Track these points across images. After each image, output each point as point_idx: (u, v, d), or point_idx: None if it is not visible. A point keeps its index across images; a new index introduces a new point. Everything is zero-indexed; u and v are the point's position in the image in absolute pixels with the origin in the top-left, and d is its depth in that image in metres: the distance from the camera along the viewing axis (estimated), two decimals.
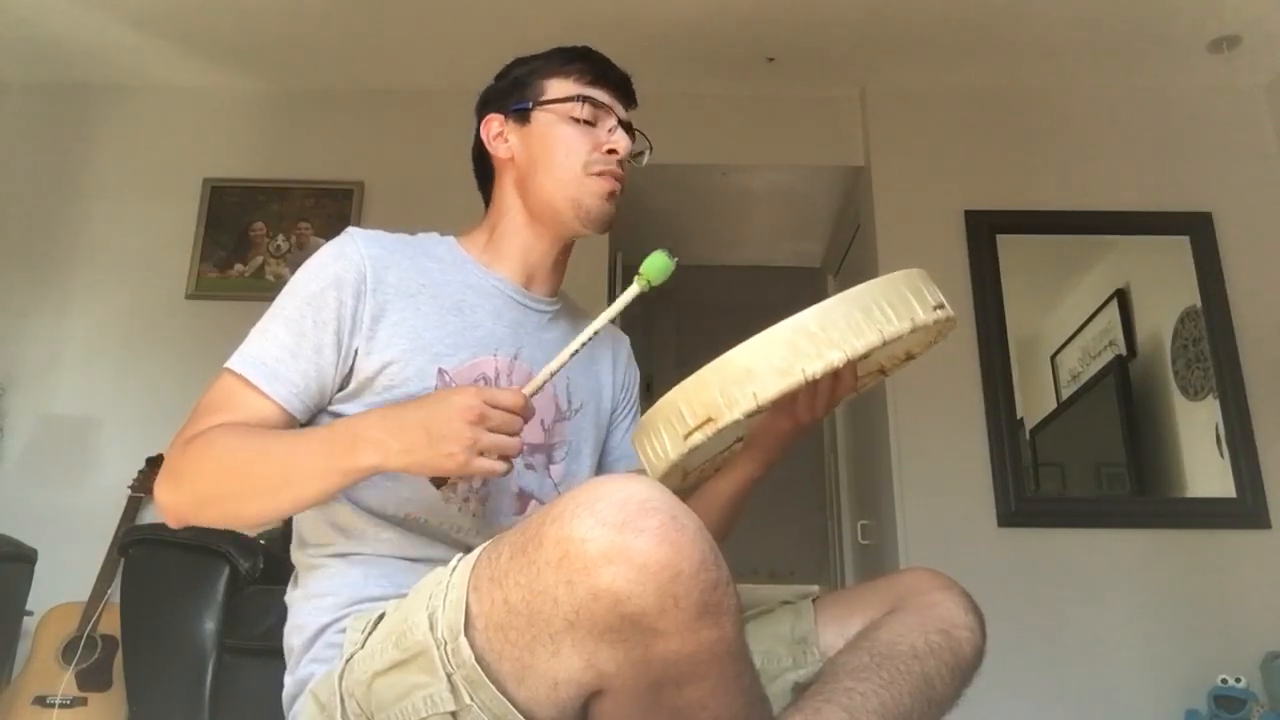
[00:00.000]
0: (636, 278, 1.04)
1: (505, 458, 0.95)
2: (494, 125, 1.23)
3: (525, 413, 0.96)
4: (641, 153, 1.25)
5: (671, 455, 0.94)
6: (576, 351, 1.03)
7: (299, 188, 3.20)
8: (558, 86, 1.20)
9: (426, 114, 3.26)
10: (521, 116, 1.20)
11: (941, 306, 0.97)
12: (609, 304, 1.06)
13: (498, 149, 1.22)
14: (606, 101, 1.19)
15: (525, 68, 1.23)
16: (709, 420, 0.90)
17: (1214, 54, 2.95)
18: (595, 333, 1.04)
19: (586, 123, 1.18)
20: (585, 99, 1.18)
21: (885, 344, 0.91)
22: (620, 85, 1.23)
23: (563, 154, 1.17)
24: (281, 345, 1.06)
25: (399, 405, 0.99)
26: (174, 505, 1.02)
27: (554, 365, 1.03)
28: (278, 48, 3.10)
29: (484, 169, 1.27)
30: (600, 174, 1.17)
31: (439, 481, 1.00)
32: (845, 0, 2.80)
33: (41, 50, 3.10)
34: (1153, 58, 3.02)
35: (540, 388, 1.03)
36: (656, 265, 1.04)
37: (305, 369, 1.06)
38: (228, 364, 1.07)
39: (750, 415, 0.90)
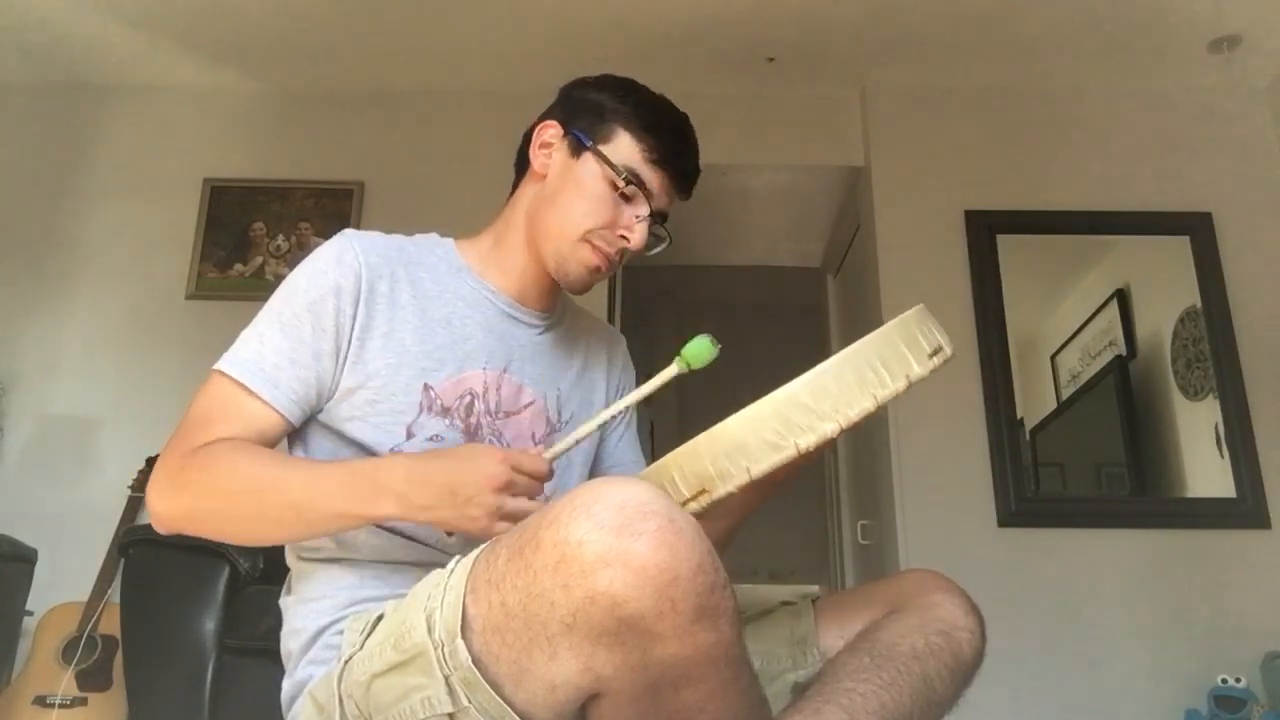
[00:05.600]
0: (677, 359, 1.03)
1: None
2: (549, 133, 1.18)
3: (546, 478, 0.98)
4: (659, 242, 1.19)
5: None
6: (605, 423, 1.05)
7: (299, 188, 3.20)
8: (624, 145, 1.13)
9: (426, 114, 3.27)
10: (576, 147, 1.15)
11: (938, 351, 0.95)
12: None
13: (537, 159, 1.19)
14: (654, 188, 1.14)
15: (615, 100, 1.16)
16: (703, 492, 0.90)
17: (1214, 54, 2.95)
18: (627, 408, 1.06)
19: (624, 195, 1.14)
20: (633, 178, 1.13)
21: (879, 407, 0.91)
22: (683, 176, 1.17)
23: (580, 211, 1.13)
24: (279, 351, 1.05)
25: (424, 457, 0.99)
26: (168, 514, 1.01)
27: (580, 433, 1.04)
28: (278, 48, 3.10)
29: (522, 160, 1.23)
30: (598, 248, 1.13)
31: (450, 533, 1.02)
32: (845, 0, 2.80)
33: (41, 50, 3.10)
34: (1153, 58, 3.02)
35: (562, 454, 1.04)
36: (699, 351, 1.03)
37: (305, 376, 1.06)
38: (221, 366, 1.05)
39: (744, 489, 0.90)
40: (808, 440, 0.88)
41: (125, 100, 3.28)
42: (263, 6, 2.87)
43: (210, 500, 0.99)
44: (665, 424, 4.76)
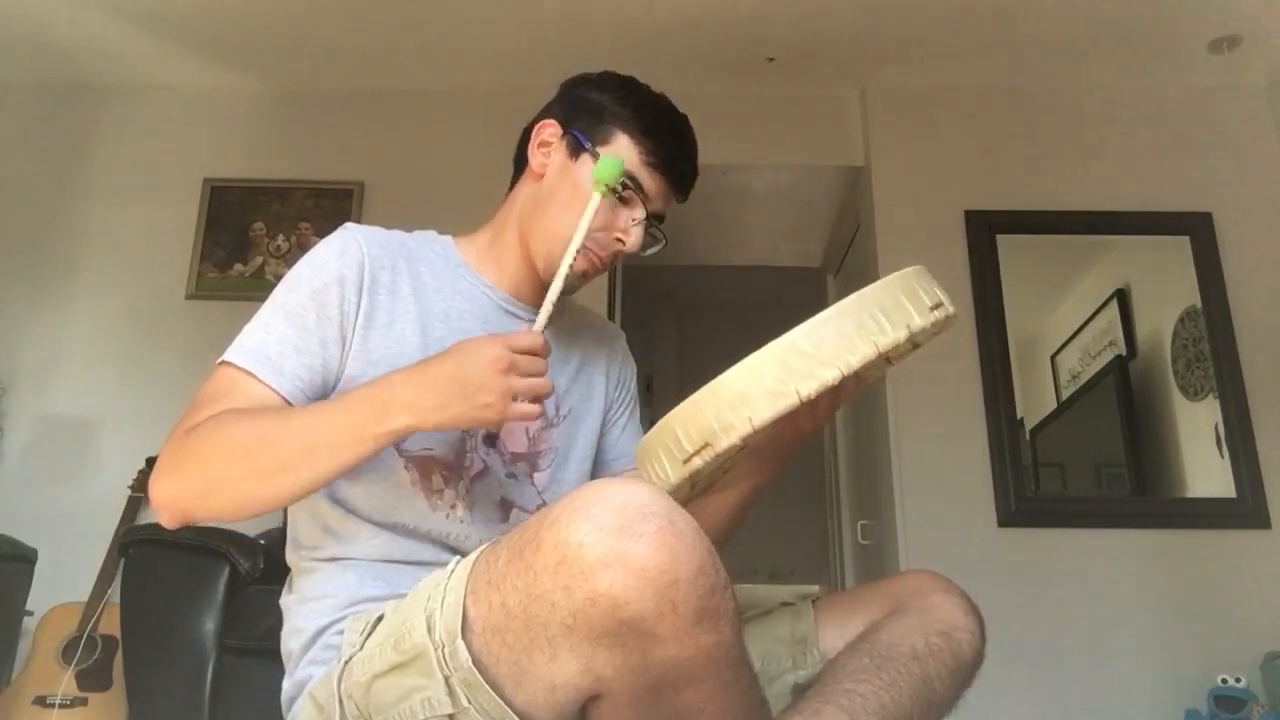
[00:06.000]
0: (593, 185, 1.06)
1: (536, 399, 0.96)
2: (547, 132, 1.18)
3: (544, 351, 0.97)
4: (655, 242, 1.18)
5: (673, 480, 0.94)
6: (565, 274, 1.06)
7: (299, 188, 3.20)
8: (622, 148, 1.13)
9: (426, 114, 3.27)
10: (575, 148, 1.15)
11: (939, 305, 0.94)
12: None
13: (535, 158, 1.18)
14: (651, 191, 1.14)
15: (615, 102, 1.15)
16: (706, 445, 0.89)
17: (1214, 54, 2.95)
18: (575, 251, 1.06)
19: (621, 199, 1.13)
20: (631, 182, 1.12)
21: (880, 355, 0.90)
22: (680, 180, 1.17)
23: (576, 214, 1.11)
24: (284, 339, 1.05)
25: (420, 364, 0.98)
26: (174, 498, 0.97)
27: (551, 297, 1.05)
28: (278, 48, 3.10)
29: (521, 157, 1.23)
30: (590, 251, 1.13)
31: (491, 438, 1.04)
32: (845, 0, 2.80)
33: (41, 50, 3.10)
34: (1153, 58, 3.02)
35: (546, 322, 1.03)
36: (608, 167, 1.07)
37: (311, 363, 1.05)
38: (225, 357, 1.04)
39: (747, 439, 0.89)
40: (809, 387, 0.87)
41: (125, 100, 3.28)
42: (263, 6, 2.87)
43: (216, 465, 0.96)
44: None
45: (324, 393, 1.07)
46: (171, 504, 0.97)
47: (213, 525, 2.16)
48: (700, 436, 0.90)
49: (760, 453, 1.15)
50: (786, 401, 0.87)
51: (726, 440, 0.88)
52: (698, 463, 0.90)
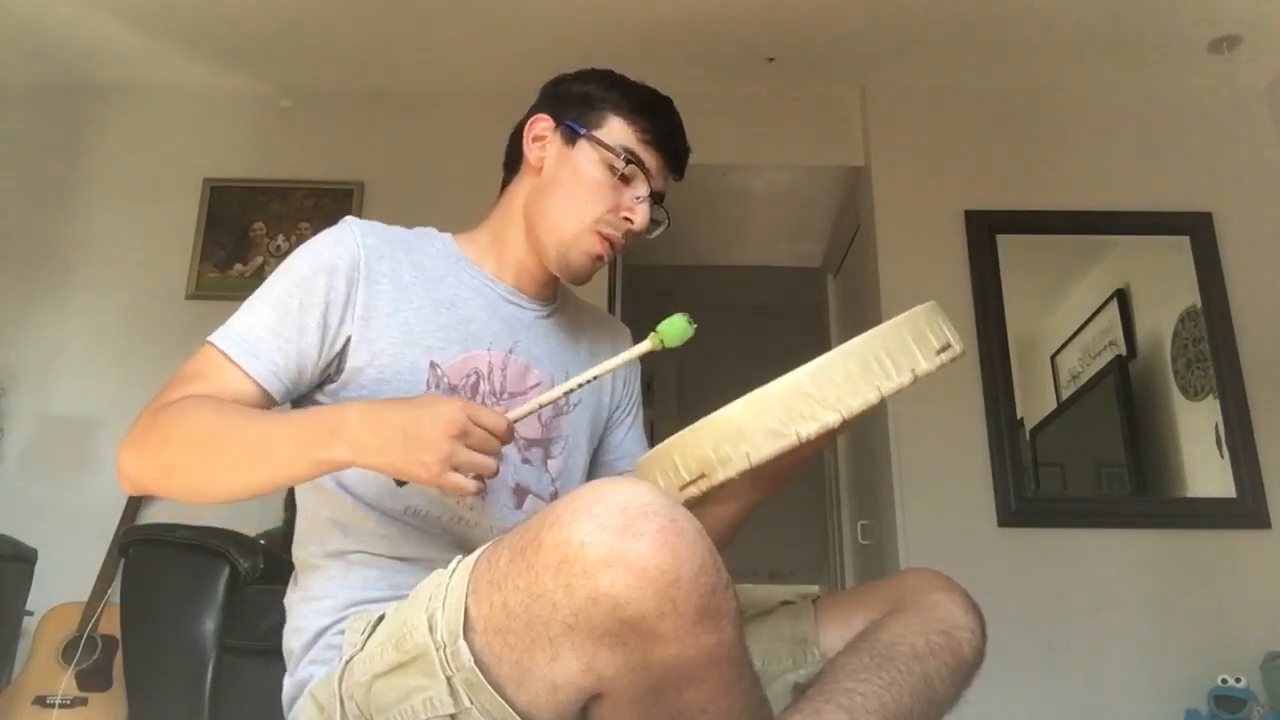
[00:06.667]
0: (651, 335, 1.03)
1: (479, 478, 0.93)
2: (540, 126, 1.20)
3: (505, 437, 0.95)
4: (659, 224, 1.20)
5: None
6: (570, 391, 1.03)
7: (299, 188, 3.20)
8: (617, 129, 1.16)
9: (426, 114, 3.27)
10: (570, 136, 1.17)
11: (947, 348, 0.94)
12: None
13: (532, 152, 1.20)
14: (650, 168, 1.16)
15: (601, 89, 1.19)
16: (703, 476, 0.90)
17: (1214, 54, 2.95)
18: (594, 378, 1.03)
19: (622, 178, 1.15)
20: (632, 158, 1.15)
21: (884, 399, 0.90)
22: (676, 155, 1.20)
23: (583, 198, 1.14)
24: (264, 324, 1.06)
25: (383, 402, 0.97)
26: (135, 471, 1.00)
27: (545, 398, 1.03)
28: (278, 48, 3.10)
29: (513, 157, 1.24)
30: (603, 235, 1.15)
31: (400, 480, 0.99)
32: (845, 0, 2.80)
33: (41, 50, 3.10)
34: (1153, 58, 3.02)
35: (525, 416, 1.01)
36: (675, 329, 1.03)
37: (286, 349, 1.06)
38: (210, 337, 1.06)
39: (744, 474, 0.89)
40: (809, 429, 0.87)
41: (125, 100, 3.28)
42: (263, 6, 2.87)
43: (172, 451, 0.98)
44: (666, 422, 4.77)
45: (300, 379, 1.08)
46: (131, 476, 1.00)
47: (211, 525, 2.18)
48: (698, 467, 0.90)
49: (760, 473, 1.15)
50: (786, 441, 0.88)
51: (723, 474, 0.89)
52: (693, 491, 0.91)
